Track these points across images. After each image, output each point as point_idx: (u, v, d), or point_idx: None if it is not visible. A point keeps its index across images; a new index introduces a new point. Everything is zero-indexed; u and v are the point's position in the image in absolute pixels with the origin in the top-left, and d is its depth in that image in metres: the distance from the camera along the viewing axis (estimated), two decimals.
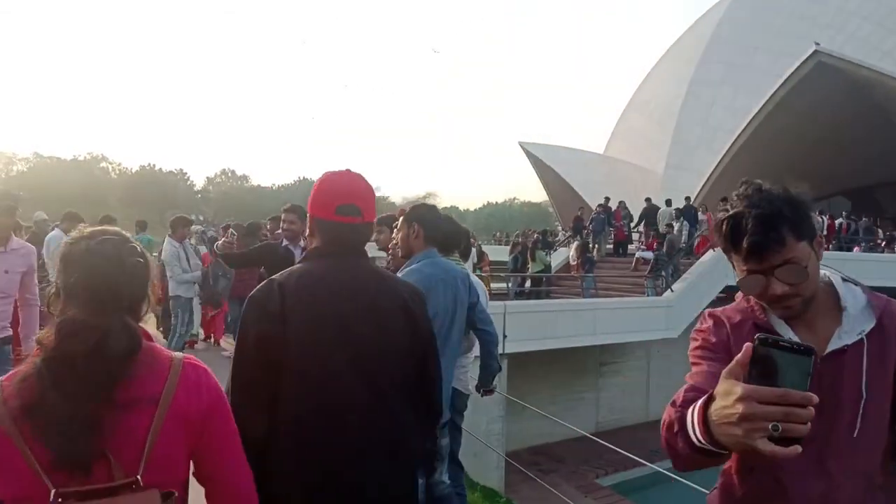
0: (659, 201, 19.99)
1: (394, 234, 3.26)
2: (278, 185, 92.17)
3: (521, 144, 41.66)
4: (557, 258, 18.66)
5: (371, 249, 2.14)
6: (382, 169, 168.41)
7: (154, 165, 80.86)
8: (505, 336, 10.53)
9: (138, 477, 1.21)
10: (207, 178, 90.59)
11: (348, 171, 1.86)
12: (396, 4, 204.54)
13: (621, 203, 20.18)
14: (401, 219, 3.06)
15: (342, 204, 1.78)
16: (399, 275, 2.66)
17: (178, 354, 1.37)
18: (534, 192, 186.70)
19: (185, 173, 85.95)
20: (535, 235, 19.07)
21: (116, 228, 1.43)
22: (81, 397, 1.19)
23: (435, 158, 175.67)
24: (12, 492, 1.18)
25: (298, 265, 1.81)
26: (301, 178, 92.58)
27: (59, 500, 1.17)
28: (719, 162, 27.34)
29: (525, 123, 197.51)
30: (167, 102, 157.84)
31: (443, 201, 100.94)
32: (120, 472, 1.21)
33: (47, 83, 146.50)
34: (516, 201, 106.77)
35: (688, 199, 19.71)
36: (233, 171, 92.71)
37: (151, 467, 1.24)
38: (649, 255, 16.30)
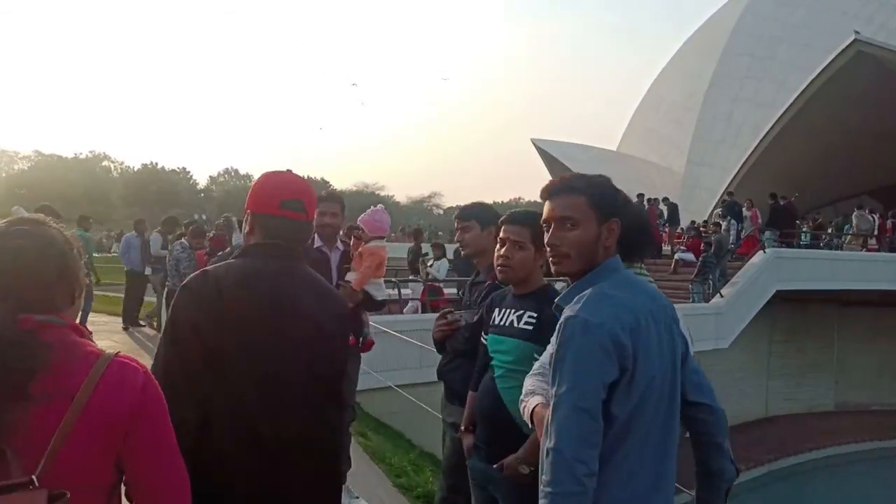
0: (679, 199, 19.05)
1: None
2: None
3: (534, 141, 40.79)
4: None
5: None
6: (385, 168, 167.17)
7: (156, 164, 79.84)
8: None
9: (33, 477, 1.14)
10: (210, 176, 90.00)
11: (290, 171, 1.86)
12: (398, 2, 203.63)
13: (654, 201, 18.98)
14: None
15: (287, 199, 1.75)
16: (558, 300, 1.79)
17: (109, 352, 1.29)
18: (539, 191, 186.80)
19: (188, 172, 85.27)
20: None
21: (35, 216, 1.37)
22: None
23: (438, 157, 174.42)
24: None
25: (236, 260, 1.76)
26: (306, 178, 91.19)
27: None
28: (748, 158, 26.26)
29: (531, 121, 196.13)
30: (170, 101, 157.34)
31: (447, 201, 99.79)
32: (19, 470, 1.15)
33: (49, 81, 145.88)
34: (521, 200, 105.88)
35: (731, 193, 18.59)
36: (236, 171, 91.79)
37: (57, 468, 1.17)
38: (689, 256, 15.18)
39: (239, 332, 1.63)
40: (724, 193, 18.37)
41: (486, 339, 2.46)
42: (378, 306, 4.02)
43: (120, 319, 10.81)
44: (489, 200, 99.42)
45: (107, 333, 9.78)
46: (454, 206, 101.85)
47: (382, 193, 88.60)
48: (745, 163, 26.38)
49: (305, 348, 1.71)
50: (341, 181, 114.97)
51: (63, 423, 1.18)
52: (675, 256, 16.12)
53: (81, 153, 77.44)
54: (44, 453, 1.17)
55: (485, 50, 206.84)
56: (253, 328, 1.64)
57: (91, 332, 1.41)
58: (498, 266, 2.37)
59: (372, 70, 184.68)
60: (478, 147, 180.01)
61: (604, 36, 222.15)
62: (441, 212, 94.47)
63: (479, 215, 2.84)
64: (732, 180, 26.31)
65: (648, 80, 45.81)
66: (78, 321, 1.38)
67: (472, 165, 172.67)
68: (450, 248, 11.60)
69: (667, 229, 18.29)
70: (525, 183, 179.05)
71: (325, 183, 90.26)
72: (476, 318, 2.65)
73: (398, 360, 8.47)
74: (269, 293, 1.69)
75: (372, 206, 4.14)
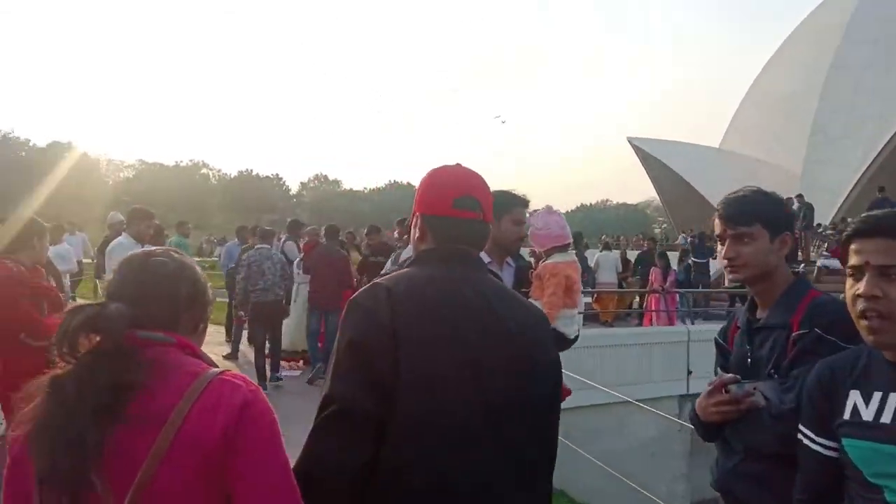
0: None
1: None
2: (370, 189, 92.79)
3: (630, 140, 39.20)
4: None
5: None
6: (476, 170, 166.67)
7: (251, 171, 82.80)
8: (690, 372, 9.22)
9: None
10: (301, 182, 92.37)
11: (459, 164, 1.62)
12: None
13: (788, 201, 17.21)
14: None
15: (460, 196, 1.52)
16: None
17: (214, 370, 1.19)
18: (630, 193, 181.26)
19: (281, 178, 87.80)
20: (690, 239, 16.57)
21: (165, 248, 1.36)
22: (73, 415, 1.09)
23: (523, 158, 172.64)
24: None
25: (407, 269, 1.53)
26: (392, 182, 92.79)
27: None
28: (879, 153, 23.91)
29: (621, 120, 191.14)
30: (264, 110, 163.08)
31: (533, 203, 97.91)
32: (109, 497, 1.08)
33: (153, 93, 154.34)
34: (609, 203, 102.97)
35: (882, 189, 16.73)
36: (325, 177, 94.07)
37: (149, 497, 1.09)
38: (835, 263, 13.62)
39: (413, 352, 1.39)
40: (878, 190, 16.51)
41: (837, 446, 1.44)
42: (567, 345, 3.05)
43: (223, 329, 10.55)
44: (576, 203, 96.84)
45: (211, 346, 9.48)
46: (540, 209, 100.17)
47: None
48: (875, 159, 24.07)
49: (500, 371, 1.44)
50: None
51: (153, 451, 1.10)
52: (819, 264, 14.72)
53: (182, 161, 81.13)
54: (133, 480, 1.09)
55: (572, 41, 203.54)
56: (430, 348, 1.41)
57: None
58: (868, 313, 1.36)
59: (462, 66, 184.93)
60: (564, 148, 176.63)
61: (699, 27, 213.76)
62: (527, 215, 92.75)
63: (766, 216, 1.80)
64: (860, 178, 24.06)
65: (751, 72, 43.21)
66: None
67: (560, 167, 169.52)
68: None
69: (803, 233, 16.63)
70: (610, 185, 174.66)
71: (410, 186, 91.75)
72: (791, 400, 1.59)
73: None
74: (446, 306, 1.45)
75: (539, 209, 3.21)
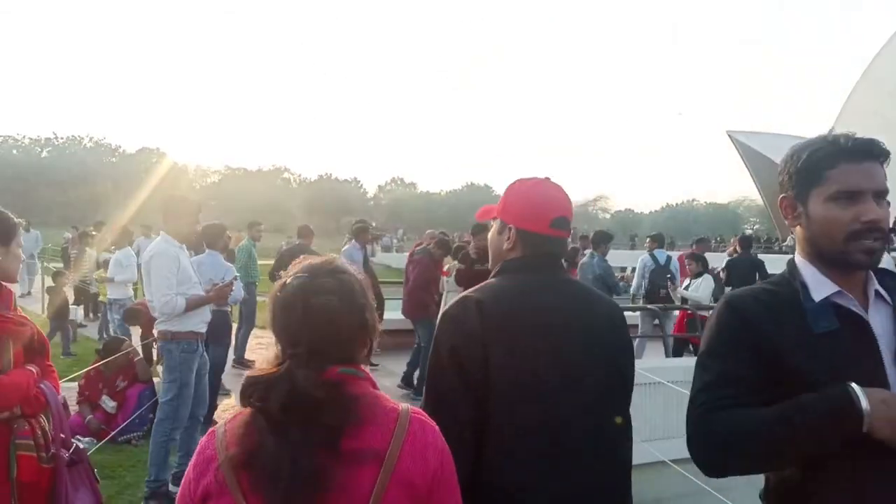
0: None
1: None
2: (446, 191, 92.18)
3: (730, 133, 36.80)
4: None
5: None
6: (549, 171, 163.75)
7: (330, 175, 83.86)
8: None
9: None
10: (378, 186, 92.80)
11: (548, 179, 1.70)
12: None
13: None
14: None
15: (557, 217, 1.63)
16: None
17: (405, 406, 1.25)
18: (718, 192, 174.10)
19: (359, 181, 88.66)
20: None
21: (333, 256, 1.35)
22: (306, 448, 1.11)
23: (607, 158, 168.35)
24: None
25: (494, 280, 1.63)
26: (469, 184, 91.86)
27: None
28: None
29: (707, 115, 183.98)
30: (342, 114, 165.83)
31: (615, 204, 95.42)
32: None
33: (236, 100, 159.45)
34: (696, 202, 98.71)
35: None
36: (401, 179, 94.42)
37: None
38: None
39: (506, 358, 1.48)
40: None
41: None
42: None
43: None
44: (662, 203, 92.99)
45: None
46: (623, 209, 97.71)
47: None
48: None
49: (589, 369, 1.55)
50: (502, 185, 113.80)
51: (377, 486, 1.13)
52: None
53: (264, 166, 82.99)
54: None
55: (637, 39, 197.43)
56: (522, 353, 1.49)
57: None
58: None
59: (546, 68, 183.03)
60: (657, 144, 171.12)
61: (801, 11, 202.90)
62: (608, 216, 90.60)
63: None
64: None
65: (866, 56, 39.83)
66: None
67: (644, 164, 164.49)
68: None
69: None
70: (695, 183, 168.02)
71: (489, 188, 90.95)
72: None
73: (668, 424, 5.98)
74: (533, 314, 1.55)
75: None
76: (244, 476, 1.11)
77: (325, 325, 1.19)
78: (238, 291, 5.47)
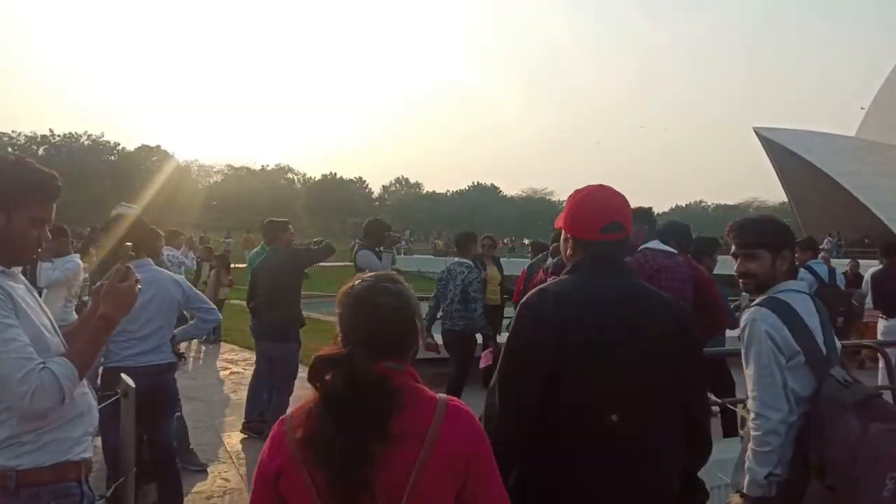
0: None
1: None
2: (452, 192, 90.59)
3: (757, 130, 34.94)
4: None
5: None
6: (553, 173, 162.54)
7: (335, 174, 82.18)
8: None
9: None
10: (383, 186, 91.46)
11: (601, 185, 1.85)
12: None
13: None
14: None
15: (607, 223, 1.77)
16: None
17: (443, 396, 1.42)
18: (727, 193, 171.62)
19: (364, 181, 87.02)
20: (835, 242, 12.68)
21: (392, 273, 1.58)
22: (356, 431, 1.29)
23: (611, 158, 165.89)
24: None
25: (569, 276, 1.79)
26: (475, 184, 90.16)
27: None
28: None
29: (708, 115, 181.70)
30: (347, 114, 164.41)
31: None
32: (381, 501, 1.28)
33: (239, 98, 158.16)
34: (702, 204, 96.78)
35: None
36: (406, 179, 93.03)
37: (415, 498, 1.30)
38: None
39: (578, 347, 1.63)
40: None
41: None
42: None
43: None
44: (671, 203, 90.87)
45: None
46: (633, 208, 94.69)
47: (553, 199, 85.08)
48: None
49: (653, 362, 1.67)
50: (511, 187, 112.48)
51: (419, 462, 1.31)
52: None
53: (268, 165, 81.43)
54: (404, 489, 1.29)
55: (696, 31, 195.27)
56: (591, 342, 1.64)
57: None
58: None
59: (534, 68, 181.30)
60: (663, 145, 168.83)
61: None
62: None
63: None
64: None
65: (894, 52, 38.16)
66: None
67: (659, 164, 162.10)
68: None
69: None
70: (701, 184, 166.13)
71: (495, 189, 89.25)
72: None
73: None
74: (606, 307, 1.70)
75: None
76: (308, 455, 1.31)
77: (385, 322, 1.40)
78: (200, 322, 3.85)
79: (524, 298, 1.74)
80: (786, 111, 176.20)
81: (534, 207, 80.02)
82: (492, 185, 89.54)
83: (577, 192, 1.84)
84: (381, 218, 6.68)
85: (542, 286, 1.76)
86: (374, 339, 1.37)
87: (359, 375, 1.32)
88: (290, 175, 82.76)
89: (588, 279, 1.73)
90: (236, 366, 8.18)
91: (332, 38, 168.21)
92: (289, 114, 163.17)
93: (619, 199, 1.82)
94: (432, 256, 40.99)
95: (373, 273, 1.49)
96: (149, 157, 67.39)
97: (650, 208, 4.17)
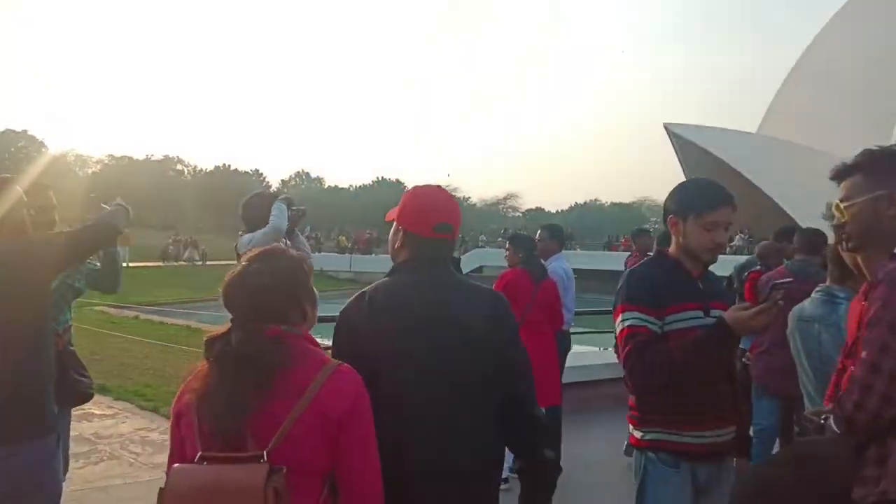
0: None
1: None
2: (356, 186, 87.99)
3: (667, 126, 34.78)
4: None
5: None
6: (460, 169, 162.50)
7: (229, 166, 77.65)
8: None
9: (265, 452, 1.42)
10: (282, 180, 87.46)
11: (439, 187, 1.99)
12: None
13: None
14: None
15: (440, 222, 1.89)
16: None
17: (335, 361, 1.58)
18: (619, 192, 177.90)
19: (261, 174, 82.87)
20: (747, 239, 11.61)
21: (281, 247, 1.97)
22: (235, 386, 1.46)
23: (516, 158, 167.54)
24: (191, 451, 1.49)
25: (388, 279, 1.90)
26: (379, 178, 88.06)
27: (203, 461, 1.45)
28: None
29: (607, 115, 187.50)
30: (242, 103, 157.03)
31: (525, 203, 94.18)
32: (253, 447, 1.43)
33: (122, 84, 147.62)
34: (597, 202, 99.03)
35: None
36: (307, 174, 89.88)
37: (283, 448, 1.44)
38: None
39: (392, 345, 1.77)
40: None
41: None
42: None
43: None
44: (570, 202, 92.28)
45: None
46: (534, 207, 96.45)
47: (458, 195, 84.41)
48: None
49: (457, 354, 1.80)
50: (417, 183, 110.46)
51: (292, 413, 1.45)
52: None
53: (153, 155, 75.83)
54: (273, 436, 1.44)
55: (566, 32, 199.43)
56: (406, 340, 1.77)
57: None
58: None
59: (439, 61, 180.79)
60: (560, 145, 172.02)
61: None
62: (519, 214, 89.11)
63: None
64: None
65: (794, 50, 39.44)
66: None
67: (556, 162, 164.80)
68: None
69: None
70: (598, 184, 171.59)
71: (399, 184, 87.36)
72: None
73: None
74: (420, 304, 1.82)
75: None
76: (200, 406, 1.49)
77: (256, 297, 1.55)
78: None
79: (345, 306, 1.89)
80: (687, 111, 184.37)
81: None
82: (397, 180, 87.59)
83: (416, 188, 1.99)
84: (262, 192, 4.60)
85: (362, 290, 1.89)
86: (253, 314, 1.54)
87: (245, 335, 1.50)
88: (178, 166, 77.49)
89: (409, 278, 1.87)
90: None
91: (223, 20, 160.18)
92: (180, 101, 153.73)
93: (454, 204, 1.99)
94: (336, 254, 38.75)
95: (255, 252, 1.65)
96: (13, 143, 60.53)
97: (559, 226, 5.16)
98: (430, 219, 1.87)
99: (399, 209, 1.93)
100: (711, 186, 2.28)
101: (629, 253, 7.72)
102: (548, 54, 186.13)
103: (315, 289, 1.73)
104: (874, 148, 1.74)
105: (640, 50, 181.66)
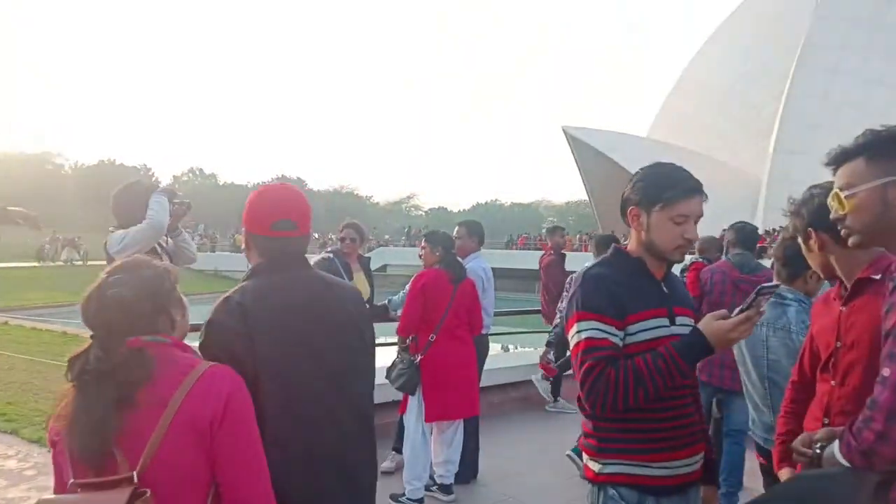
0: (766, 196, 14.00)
1: None
2: (255, 183, 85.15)
3: (566, 129, 35.83)
4: None
5: None
6: (362, 169, 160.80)
7: (114, 161, 73.15)
8: None
9: (134, 473, 1.36)
10: (174, 176, 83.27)
11: (283, 184, 2.02)
12: None
13: None
14: None
15: (277, 220, 1.86)
16: None
17: (204, 364, 1.50)
18: (520, 192, 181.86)
19: (149, 169, 78.56)
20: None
21: (145, 257, 1.70)
22: (95, 406, 1.39)
23: (417, 158, 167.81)
24: (67, 479, 1.42)
25: (248, 283, 1.85)
26: (281, 176, 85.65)
27: (76, 489, 1.39)
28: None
29: (509, 118, 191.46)
30: (130, 96, 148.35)
31: (427, 202, 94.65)
32: (125, 468, 1.36)
33: None
34: (497, 202, 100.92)
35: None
36: (200, 170, 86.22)
37: (155, 465, 1.38)
38: None
39: (266, 348, 1.72)
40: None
41: None
42: None
43: None
44: (472, 202, 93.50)
45: None
46: (437, 206, 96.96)
47: (359, 193, 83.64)
48: None
49: (331, 346, 1.84)
50: (319, 182, 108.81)
51: (158, 427, 1.38)
52: None
53: (28, 149, 70.34)
54: (141, 453, 1.37)
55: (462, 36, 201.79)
56: (279, 342, 1.75)
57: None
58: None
59: (347, 57, 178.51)
60: (462, 145, 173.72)
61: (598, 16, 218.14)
62: (422, 213, 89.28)
63: None
64: None
65: (679, 61, 41.69)
66: None
67: (458, 163, 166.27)
68: None
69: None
70: (496, 183, 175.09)
71: (301, 182, 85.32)
72: None
73: None
74: (290, 306, 1.81)
75: None
76: (68, 430, 1.41)
77: (116, 311, 1.47)
78: None
79: (212, 314, 1.77)
80: (584, 114, 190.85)
81: (343, 203, 77.56)
82: (298, 177, 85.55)
83: (261, 188, 1.97)
84: (137, 181, 4.28)
85: (226, 295, 1.80)
86: (111, 327, 1.46)
87: (102, 352, 1.43)
88: (58, 160, 72.48)
89: (269, 280, 1.82)
90: None
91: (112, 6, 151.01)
92: (55, 89, 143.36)
93: (297, 197, 1.93)
94: (230, 253, 37.25)
95: (115, 265, 1.57)
96: None
97: (478, 222, 5.15)
98: (267, 218, 1.85)
99: (244, 210, 1.90)
100: (680, 172, 1.93)
101: (542, 252, 7.65)
102: (452, 57, 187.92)
103: (198, 293, 1.60)
104: (879, 128, 1.50)
105: (547, 53, 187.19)
